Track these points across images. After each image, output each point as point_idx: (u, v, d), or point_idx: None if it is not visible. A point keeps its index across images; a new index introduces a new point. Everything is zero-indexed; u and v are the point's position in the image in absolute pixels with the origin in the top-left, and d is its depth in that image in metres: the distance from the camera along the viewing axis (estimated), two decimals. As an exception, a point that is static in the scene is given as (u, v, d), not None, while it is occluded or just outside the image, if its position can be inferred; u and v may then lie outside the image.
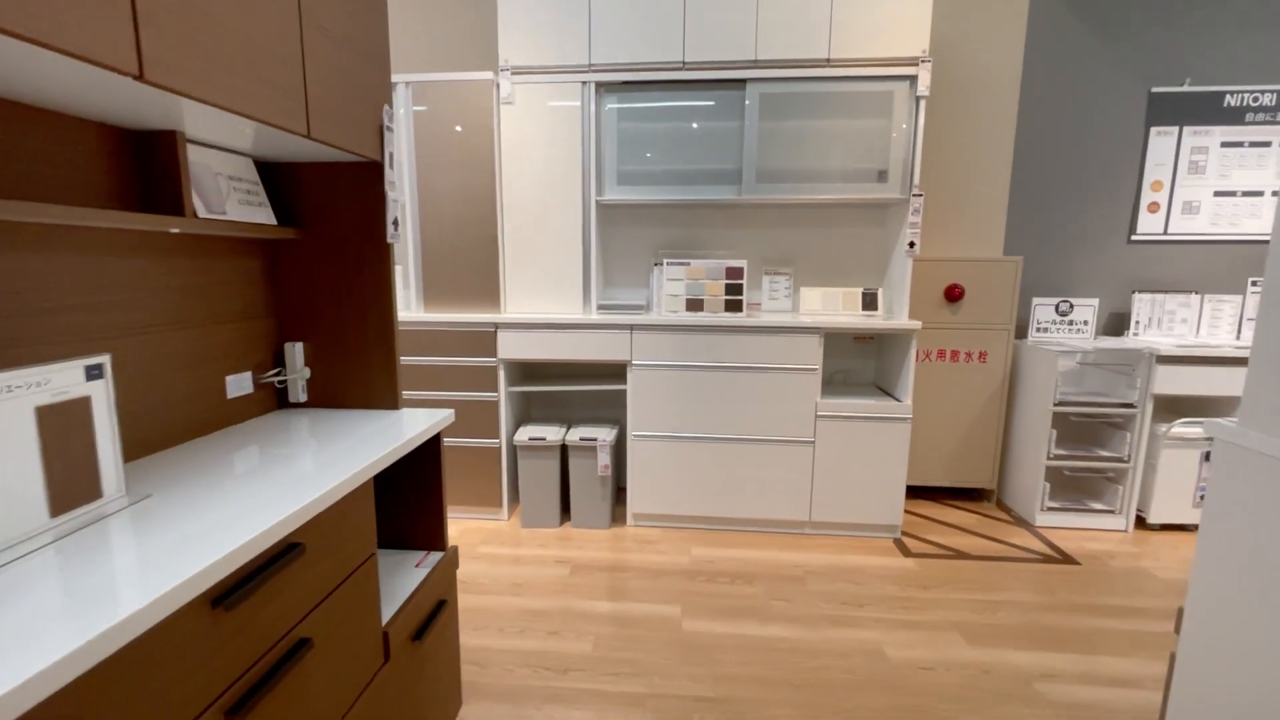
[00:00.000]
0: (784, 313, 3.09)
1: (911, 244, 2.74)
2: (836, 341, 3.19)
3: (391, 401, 1.58)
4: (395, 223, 1.51)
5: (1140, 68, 3.02)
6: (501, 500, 2.97)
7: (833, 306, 2.96)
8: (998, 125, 3.11)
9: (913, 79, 2.65)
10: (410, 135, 2.80)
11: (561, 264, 2.89)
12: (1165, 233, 3.16)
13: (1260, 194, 3.08)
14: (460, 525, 2.95)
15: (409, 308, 3.05)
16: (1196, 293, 3.12)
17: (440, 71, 2.72)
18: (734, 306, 2.79)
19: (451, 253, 2.87)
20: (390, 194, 1.50)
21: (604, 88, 2.78)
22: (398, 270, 3.09)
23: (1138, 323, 3.14)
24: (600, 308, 2.92)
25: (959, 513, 3.14)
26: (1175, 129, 3.07)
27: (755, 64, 2.68)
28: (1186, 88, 3.03)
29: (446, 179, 2.81)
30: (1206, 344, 2.88)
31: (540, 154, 2.81)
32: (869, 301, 2.94)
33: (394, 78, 2.79)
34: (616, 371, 3.02)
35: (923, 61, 2.61)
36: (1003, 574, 2.52)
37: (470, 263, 2.87)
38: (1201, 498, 2.88)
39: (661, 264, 2.94)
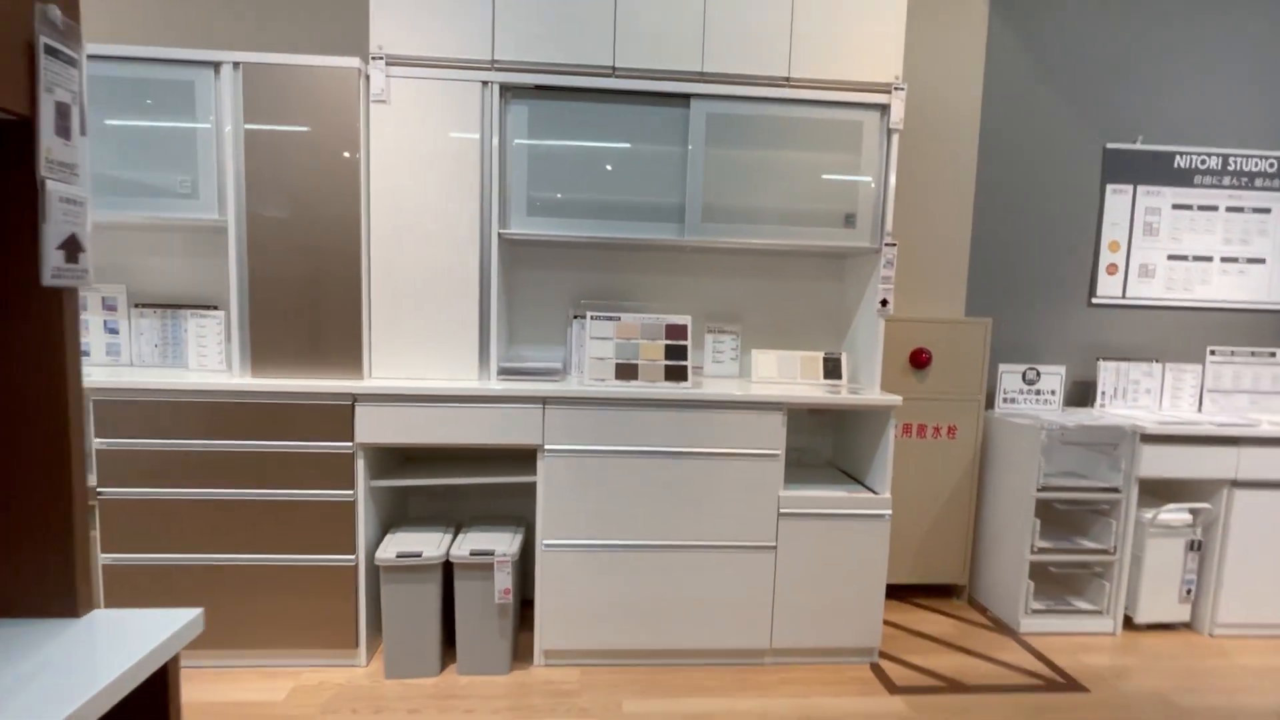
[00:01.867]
0: (729, 379, 2.53)
1: (884, 301, 2.29)
2: (791, 416, 2.66)
3: (68, 601, 0.80)
4: (74, 247, 0.77)
5: (1095, 121, 2.83)
6: (357, 639, 2.13)
7: (789, 373, 2.44)
8: (958, 172, 2.80)
9: (884, 109, 2.24)
10: (238, 136, 2.02)
11: (450, 314, 2.18)
12: (1124, 296, 2.94)
13: (1209, 259, 2.94)
14: (294, 680, 2.07)
15: (228, 371, 2.20)
16: (1158, 360, 2.90)
17: (284, 53, 2.00)
18: (677, 374, 2.19)
19: (293, 297, 2.08)
20: (60, 186, 0.76)
21: (511, 92, 2.16)
22: (213, 321, 2.25)
23: (1104, 393, 2.88)
24: (502, 373, 2.22)
25: (933, 618, 2.66)
26: (1130, 187, 2.90)
27: (702, 77, 2.18)
28: (1139, 145, 2.87)
29: (289, 197, 2.05)
30: (1179, 419, 2.63)
31: (424, 170, 2.13)
32: (831, 368, 2.45)
33: (214, 55, 2.02)
34: (523, 457, 2.32)
35: (895, 89, 2.22)
36: (1008, 712, 2.02)
37: (320, 312, 2.10)
38: (1189, 592, 2.56)
39: (584, 318, 2.30)
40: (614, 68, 2.15)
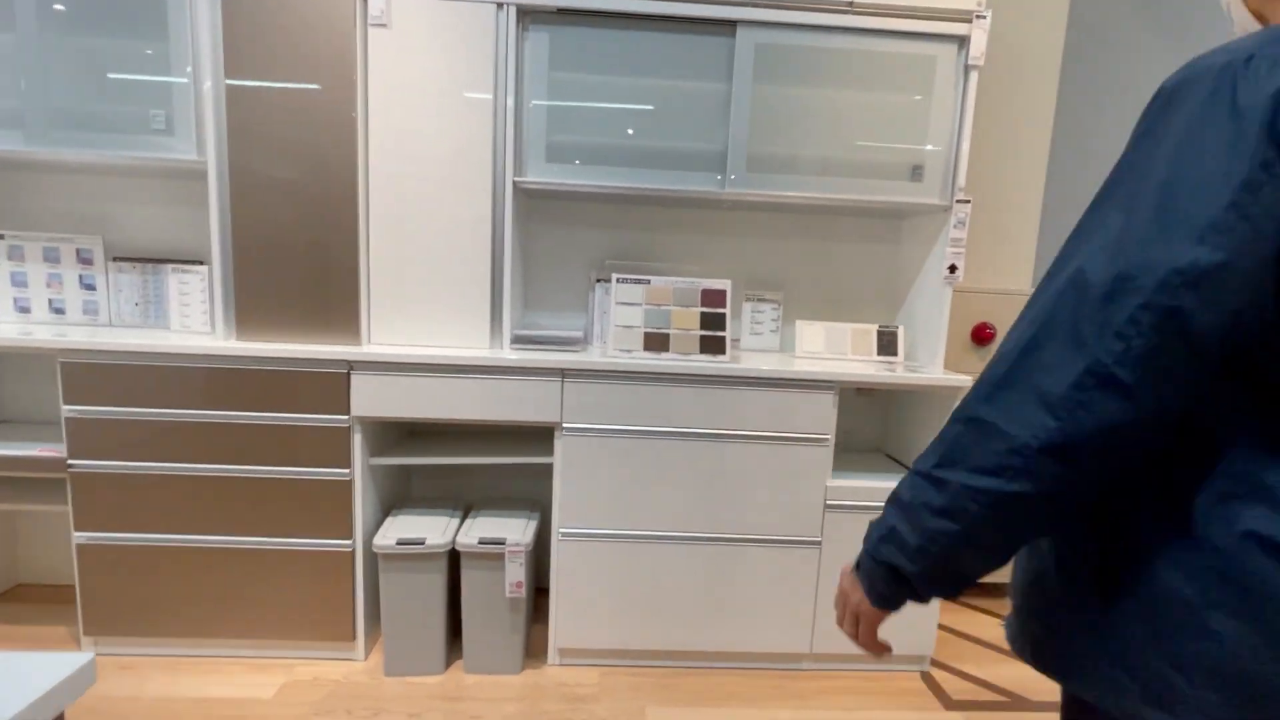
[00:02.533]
0: (770, 353, 2.27)
1: (953, 268, 2.00)
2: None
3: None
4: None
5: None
6: (355, 631, 1.94)
7: (839, 348, 2.17)
8: (1034, 124, 2.46)
9: (963, 40, 1.92)
10: (216, 64, 1.77)
11: (458, 275, 1.93)
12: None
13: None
14: (288, 672, 1.89)
15: (212, 333, 1.99)
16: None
17: (272, -30, 1.73)
18: (714, 346, 1.93)
19: (282, 251, 1.84)
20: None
21: (529, 16, 1.87)
22: (196, 277, 2.02)
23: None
24: (516, 341, 1.98)
25: (983, 620, 2.41)
26: (1229, 144, 2.54)
27: (752, 0, 1.87)
28: (1243, 95, 2.50)
29: (276, 136, 1.79)
30: None
31: (429, 108, 1.86)
32: (886, 344, 2.17)
33: (191, -32, 1.76)
34: (539, 436, 2.09)
35: (978, 17, 1.89)
36: (1085, 737, 1.78)
37: (313, 268, 1.86)
38: None
39: (608, 281, 2.04)
40: (649, -12, 1.84)
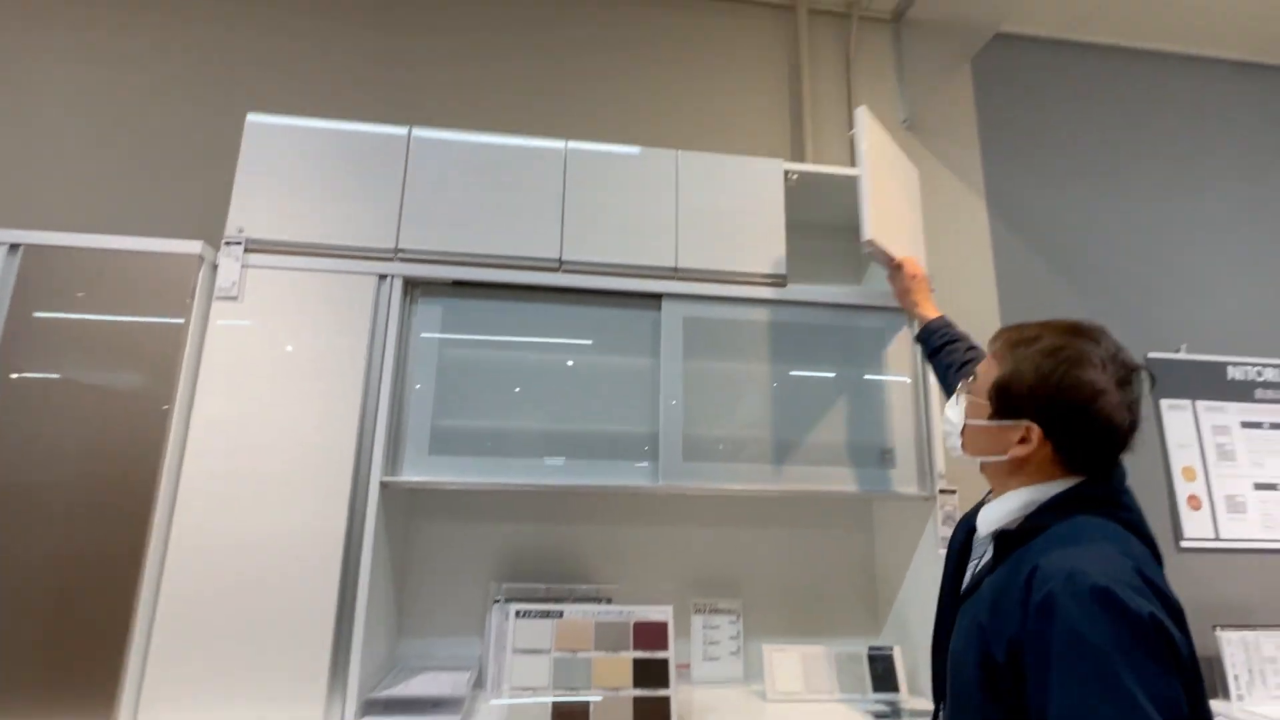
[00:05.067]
0: (732, 685, 1.68)
1: (951, 575, 1.57)
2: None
3: None
4: None
5: (1128, 329, 2.43)
6: None
7: (820, 684, 1.61)
8: (989, 386, 2.28)
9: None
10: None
11: (290, 611, 1.36)
12: (1217, 537, 2.30)
13: (1301, 488, 2.39)
14: None
15: None
16: (1288, 628, 2.18)
17: (92, 233, 1.43)
18: (651, 713, 1.34)
19: (27, 593, 1.25)
20: None
21: (419, 288, 1.59)
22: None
23: (1236, 677, 2.08)
24: (368, 710, 1.34)
25: None
26: (1188, 403, 2.42)
27: (675, 274, 1.67)
28: (1183, 355, 2.45)
29: (56, 444, 1.32)
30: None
31: (279, 393, 1.45)
32: (882, 674, 1.63)
33: (-12, 236, 1.43)
34: None
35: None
36: None
37: (63, 608, 1.26)
38: None
39: (504, 607, 1.50)
40: (561, 261, 1.63)
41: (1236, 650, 2.12)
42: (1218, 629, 2.13)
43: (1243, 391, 2.45)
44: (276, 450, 1.43)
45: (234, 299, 1.48)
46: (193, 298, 1.43)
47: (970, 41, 2.07)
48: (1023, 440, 0.83)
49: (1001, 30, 2.49)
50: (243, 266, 1.49)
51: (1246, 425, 2.42)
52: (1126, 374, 0.81)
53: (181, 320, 1.41)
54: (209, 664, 1.33)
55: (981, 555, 0.89)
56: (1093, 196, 2.52)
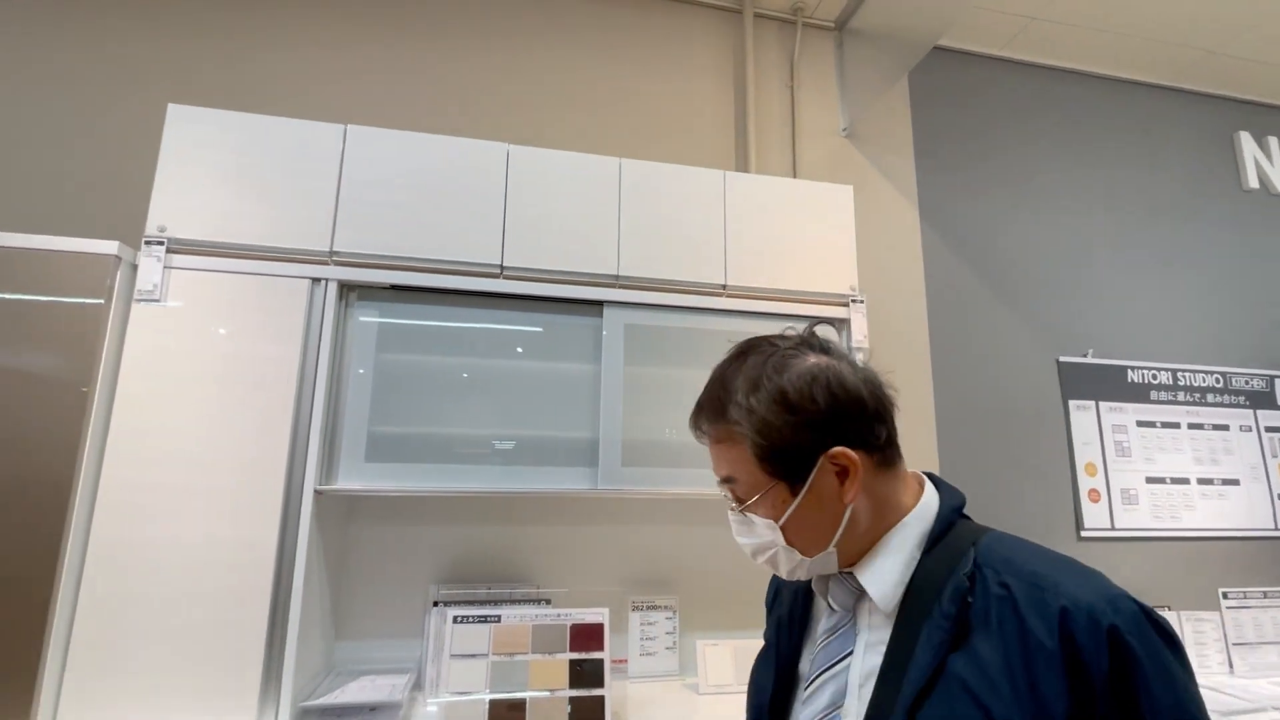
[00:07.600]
0: (667, 679, 1.75)
1: (872, 572, 1.67)
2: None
3: None
4: None
5: (1042, 334, 2.60)
6: None
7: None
8: (917, 395, 2.41)
9: (842, 324, 1.82)
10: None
11: (219, 617, 1.34)
12: (1113, 527, 2.52)
13: (1186, 481, 2.63)
14: None
15: None
16: (1170, 607, 2.41)
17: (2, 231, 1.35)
18: (586, 711, 1.39)
19: (-86, 616, 1.19)
20: None
21: (355, 292, 1.57)
22: None
23: (1122, 655, 2.30)
24: (301, 717, 1.34)
25: None
26: (1092, 404, 2.62)
27: (617, 281, 1.69)
28: (1090, 359, 2.64)
29: (-49, 443, 1.25)
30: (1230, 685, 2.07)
31: (203, 401, 1.41)
32: (807, 664, 1.73)
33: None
34: None
35: (854, 301, 1.82)
36: None
37: (-35, 638, 1.20)
38: None
39: (443, 611, 1.52)
40: (503, 267, 1.63)
41: (1124, 630, 2.33)
42: (1109, 611, 2.33)
43: (1140, 393, 2.67)
44: (203, 458, 1.39)
45: (156, 301, 1.42)
46: (109, 300, 1.37)
47: (909, 53, 2.15)
48: (841, 471, 0.69)
49: (939, 44, 2.60)
50: (165, 267, 1.43)
51: (1142, 424, 2.64)
52: (804, 347, 0.74)
53: (96, 325, 1.35)
54: (134, 673, 1.30)
55: (892, 634, 0.68)
56: (1015, 208, 2.67)
